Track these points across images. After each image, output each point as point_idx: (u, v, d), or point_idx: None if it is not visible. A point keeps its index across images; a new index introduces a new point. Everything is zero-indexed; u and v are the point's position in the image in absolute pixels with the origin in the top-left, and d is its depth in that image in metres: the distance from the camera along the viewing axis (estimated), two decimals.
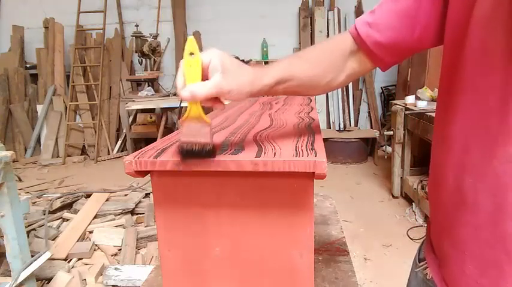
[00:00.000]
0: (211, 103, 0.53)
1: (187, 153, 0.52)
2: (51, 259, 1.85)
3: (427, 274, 0.64)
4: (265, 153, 0.54)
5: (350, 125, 4.90)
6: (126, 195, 2.76)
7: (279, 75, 0.57)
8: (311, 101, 1.15)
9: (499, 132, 0.45)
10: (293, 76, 0.59)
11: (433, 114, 2.40)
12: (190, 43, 0.49)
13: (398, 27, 0.58)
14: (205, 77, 0.50)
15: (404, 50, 0.62)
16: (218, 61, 0.49)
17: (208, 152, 0.52)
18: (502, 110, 0.45)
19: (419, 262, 0.68)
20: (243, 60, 5.13)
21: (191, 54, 0.49)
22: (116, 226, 2.36)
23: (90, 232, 2.28)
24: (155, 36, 4.65)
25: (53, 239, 2.18)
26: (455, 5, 0.52)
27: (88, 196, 2.71)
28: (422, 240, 0.71)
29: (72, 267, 1.99)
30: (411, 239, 2.42)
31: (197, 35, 5.05)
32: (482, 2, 0.46)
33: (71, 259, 2.05)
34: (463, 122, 0.51)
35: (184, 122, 0.52)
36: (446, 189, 0.55)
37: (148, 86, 4.64)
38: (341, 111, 4.87)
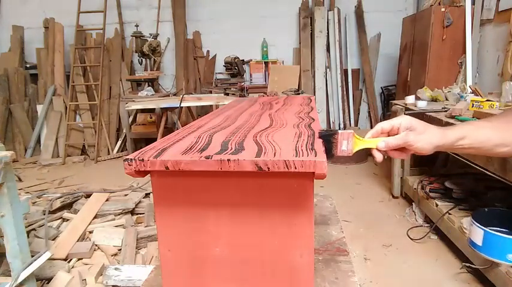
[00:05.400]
0: (399, 153, 0.70)
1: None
2: (51, 259, 1.85)
3: None
4: (265, 153, 0.53)
5: (350, 125, 4.91)
6: (126, 195, 2.76)
7: (461, 133, 0.70)
8: (311, 101, 1.15)
9: None
10: (471, 136, 0.70)
11: (433, 114, 2.40)
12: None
13: None
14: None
15: None
16: (406, 123, 0.68)
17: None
18: None
19: None
20: (242, 61, 5.11)
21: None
22: (116, 226, 2.35)
23: (90, 232, 2.28)
24: (155, 36, 4.65)
25: (53, 239, 2.18)
26: None
27: (88, 196, 2.71)
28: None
29: (72, 267, 1.99)
30: (411, 239, 2.42)
31: (197, 35, 5.06)
32: None
33: (71, 259, 2.05)
34: None
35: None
36: None
37: (148, 86, 4.64)
38: (341, 111, 4.87)
